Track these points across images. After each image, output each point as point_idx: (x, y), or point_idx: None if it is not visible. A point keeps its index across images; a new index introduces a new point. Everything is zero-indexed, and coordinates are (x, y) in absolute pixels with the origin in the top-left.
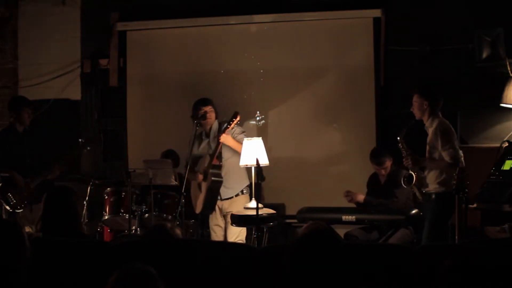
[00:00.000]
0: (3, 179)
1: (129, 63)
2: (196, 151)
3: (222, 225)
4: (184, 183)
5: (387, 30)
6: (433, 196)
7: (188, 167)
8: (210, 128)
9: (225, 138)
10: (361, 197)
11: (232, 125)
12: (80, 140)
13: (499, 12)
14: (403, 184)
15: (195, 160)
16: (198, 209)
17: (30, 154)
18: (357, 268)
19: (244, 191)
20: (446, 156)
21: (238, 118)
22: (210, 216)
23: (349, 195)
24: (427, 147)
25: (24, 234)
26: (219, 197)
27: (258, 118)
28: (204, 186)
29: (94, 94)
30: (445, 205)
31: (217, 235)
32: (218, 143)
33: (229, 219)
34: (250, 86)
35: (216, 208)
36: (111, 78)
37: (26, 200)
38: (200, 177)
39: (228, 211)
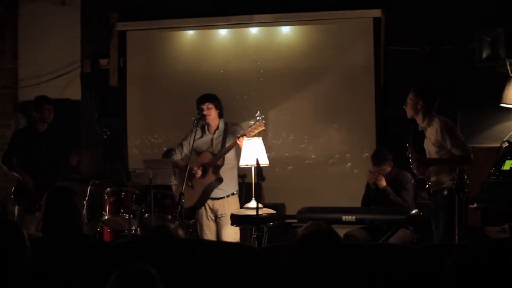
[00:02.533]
0: (18, 181)
1: (129, 63)
2: (191, 142)
3: (213, 225)
4: (185, 182)
5: (387, 30)
6: (445, 193)
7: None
8: (217, 127)
9: (242, 141)
10: (383, 183)
11: (255, 133)
12: (97, 128)
13: (499, 12)
14: (417, 188)
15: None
16: (187, 204)
17: (47, 154)
18: (357, 268)
19: (234, 192)
20: (457, 151)
21: (262, 128)
22: (199, 213)
23: (373, 176)
24: (432, 148)
25: (24, 234)
26: None
27: (258, 118)
28: (200, 182)
29: (94, 94)
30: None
31: (206, 235)
32: (230, 145)
33: (223, 222)
34: (250, 86)
35: (207, 206)
36: (111, 78)
37: (40, 201)
38: (199, 172)
39: (221, 213)
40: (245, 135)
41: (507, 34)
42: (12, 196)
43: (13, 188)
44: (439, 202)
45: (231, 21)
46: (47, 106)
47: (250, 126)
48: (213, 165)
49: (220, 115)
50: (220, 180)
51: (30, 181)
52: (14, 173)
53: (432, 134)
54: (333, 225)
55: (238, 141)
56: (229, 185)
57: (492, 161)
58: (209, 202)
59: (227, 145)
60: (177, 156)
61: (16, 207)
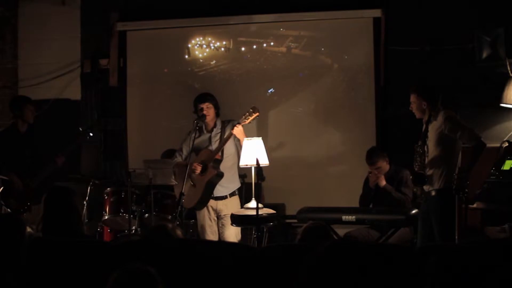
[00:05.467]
0: (4, 183)
1: (129, 63)
2: (191, 143)
3: (215, 226)
4: (184, 183)
5: (387, 30)
6: (433, 193)
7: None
8: (214, 126)
9: (238, 130)
10: (383, 182)
11: (250, 120)
12: (80, 128)
13: (499, 12)
14: (413, 184)
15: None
16: (190, 204)
17: (30, 155)
18: (357, 268)
19: (236, 192)
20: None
21: (257, 114)
22: (200, 214)
23: (375, 177)
24: (431, 143)
25: (24, 227)
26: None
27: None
28: (201, 180)
29: (94, 94)
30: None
31: (208, 235)
32: (227, 136)
33: (226, 222)
34: (250, 85)
35: (209, 207)
36: (111, 78)
37: (28, 202)
38: (199, 168)
39: (224, 213)
40: (240, 123)
41: (507, 34)
42: (1, 198)
43: (0, 190)
44: (429, 205)
45: (231, 21)
46: (29, 107)
47: (244, 115)
48: (212, 160)
49: (217, 114)
50: (220, 175)
51: (19, 182)
52: (1, 176)
53: (434, 126)
54: (333, 225)
55: (233, 131)
56: (231, 181)
57: (492, 161)
58: (212, 202)
59: (224, 138)
60: (179, 160)
61: (4, 208)
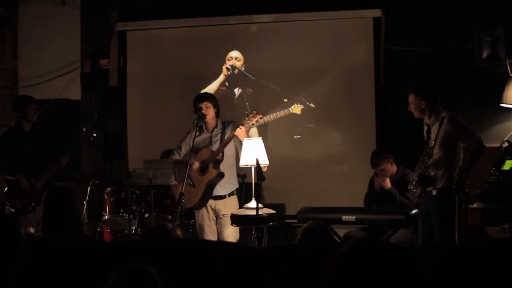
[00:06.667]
0: (8, 183)
1: (129, 63)
2: (191, 142)
3: (214, 226)
4: (184, 182)
5: (387, 30)
6: (434, 193)
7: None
8: (216, 126)
9: (240, 132)
10: (388, 185)
11: (253, 122)
12: (83, 129)
13: (499, 12)
14: (416, 186)
15: (186, 151)
16: (190, 204)
17: (35, 155)
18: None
19: (235, 192)
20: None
21: (260, 116)
22: (199, 214)
23: (381, 179)
24: (439, 142)
25: (19, 228)
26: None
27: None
28: (201, 179)
29: (94, 94)
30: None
31: (207, 235)
32: (229, 137)
33: (225, 222)
34: (250, 85)
35: (208, 207)
36: (111, 78)
37: (33, 202)
38: (196, 163)
39: (223, 213)
40: (243, 125)
41: (507, 34)
42: (6, 198)
43: (5, 190)
44: (430, 204)
45: (231, 21)
46: (31, 106)
47: (248, 116)
48: (213, 160)
49: (217, 114)
50: (221, 175)
51: (26, 183)
52: (7, 176)
53: (438, 128)
54: (333, 225)
55: (236, 132)
56: (230, 181)
57: (492, 161)
58: (211, 202)
59: (225, 138)
60: (176, 158)
61: (7, 208)
